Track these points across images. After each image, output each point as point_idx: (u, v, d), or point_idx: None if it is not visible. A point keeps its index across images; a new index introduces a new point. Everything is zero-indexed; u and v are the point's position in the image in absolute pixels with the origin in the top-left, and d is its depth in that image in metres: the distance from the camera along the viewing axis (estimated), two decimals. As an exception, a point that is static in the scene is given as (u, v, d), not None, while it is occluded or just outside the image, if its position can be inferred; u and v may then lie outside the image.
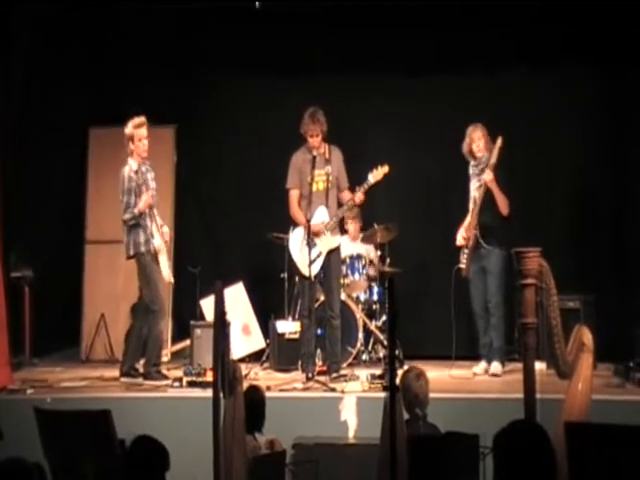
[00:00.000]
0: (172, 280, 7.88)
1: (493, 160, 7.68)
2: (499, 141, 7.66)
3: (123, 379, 7.55)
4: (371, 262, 8.79)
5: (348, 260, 8.61)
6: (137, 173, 7.54)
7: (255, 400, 5.21)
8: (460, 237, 7.90)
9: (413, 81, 9.21)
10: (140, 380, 7.49)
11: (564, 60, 8.92)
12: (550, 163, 9.06)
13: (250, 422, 4.78)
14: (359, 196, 7.52)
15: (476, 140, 7.89)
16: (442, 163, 9.07)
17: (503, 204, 7.79)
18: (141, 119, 7.60)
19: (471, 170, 8.00)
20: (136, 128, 7.56)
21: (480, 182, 7.83)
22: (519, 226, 8.25)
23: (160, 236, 7.58)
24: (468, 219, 7.92)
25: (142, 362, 7.65)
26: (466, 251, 7.84)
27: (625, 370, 7.36)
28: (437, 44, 9.06)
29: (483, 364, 7.93)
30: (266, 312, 8.83)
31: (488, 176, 7.69)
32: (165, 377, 7.52)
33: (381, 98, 9.29)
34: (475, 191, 7.92)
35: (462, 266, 7.84)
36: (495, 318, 7.84)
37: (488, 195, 7.77)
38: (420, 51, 9.07)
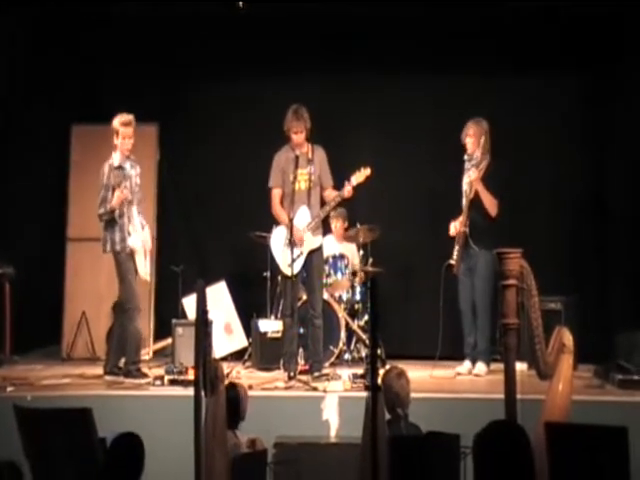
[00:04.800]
0: (148, 279, 7.86)
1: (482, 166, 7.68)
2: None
3: (107, 377, 7.53)
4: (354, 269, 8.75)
5: (331, 259, 8.59)
6: (118, 169, 7.50)
7: (233, 397, 5.19)
8: (453, 227, 7.86)
9: (397, 81, 9.21)
10: (121, 378, 7.47)
11: (551, 61, 8.94)
12: (533, 165, 9.08)
13: (229, 419, 4.78)
14: (348, 189, 7.45)
15: (466, 137, 7.86)
16: (426, 162, 9.09)
17: (490, 204, 7.74)
18: (129, 117, 7.49)
19: (465, 165, 7.96)
20: (122, 126, 7.47)
21: (469, 178, 7.83)
22: (502, 227, 8.26)
23: (138, 234, 7.53)
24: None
25: (123, 360, 7.64)
26: (457, 248, 7.81)
27: (605, 371, 7.39)
28: (421, 44, 9.06)
29: (467, 364, 7.91)
30: (248, 311, 8.81)
31: (473, 174, 7.71)
32: (145, 375, 7.50)
33: (365, 97, 9.30)
34: (466, 185, 7.90)
35: (452, 262, 7.80)
36: (481, 320, 7.82)
37: (477, 194, 7.75)
38: (404, 51, 9.07)
